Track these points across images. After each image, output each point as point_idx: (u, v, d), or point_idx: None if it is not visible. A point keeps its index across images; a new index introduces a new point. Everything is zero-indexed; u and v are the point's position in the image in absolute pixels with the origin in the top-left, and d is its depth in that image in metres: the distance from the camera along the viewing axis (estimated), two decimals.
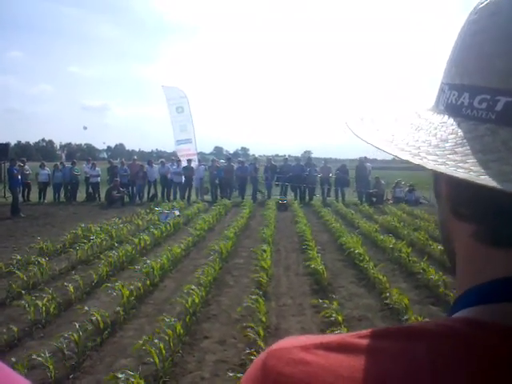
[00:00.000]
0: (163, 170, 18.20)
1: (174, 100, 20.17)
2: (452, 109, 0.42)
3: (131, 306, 5.48)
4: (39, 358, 3.78)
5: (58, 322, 5.09)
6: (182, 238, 9.63)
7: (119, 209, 15.62)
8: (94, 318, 4.69)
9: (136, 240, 8.82)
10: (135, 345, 4.13)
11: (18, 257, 7.48)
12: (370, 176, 18.49)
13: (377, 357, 0.37)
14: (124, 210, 15.20)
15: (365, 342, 0.38)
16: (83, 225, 10.61)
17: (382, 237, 9.49)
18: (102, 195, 17.83)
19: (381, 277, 6.22)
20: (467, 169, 0.35)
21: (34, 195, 17.90)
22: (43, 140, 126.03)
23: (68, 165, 18.97)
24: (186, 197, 17.93)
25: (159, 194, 18.50)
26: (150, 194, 18.50)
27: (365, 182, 18.12)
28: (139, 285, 5.95)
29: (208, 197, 18.58)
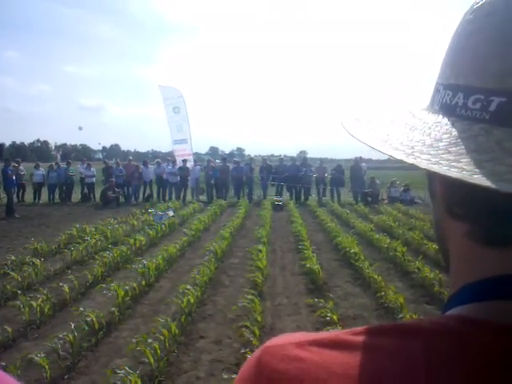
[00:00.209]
0: (159, 170, 18.17)
1: (170, 100, 20.14)
2: (446, 109, 0.42)
3: (126, 306, 5.47)
4: (36, 358, 3.76)
5: (52, 322, 5.08)
6: (177, 238, 9.61)
7: (114, 209, 15.57)
8: (89, 319, 4.68)
9: (131, 240, 8.80)
10: (130, 345, 4.12)
11: (13, 257, 7.45)
12: (366, 176, 18.54)
13: (372, 354, 0.37)
14: (119, 210, 15.16)
15: (359, 338, 0.39)
16: (78, 225, 10.57)
17: (377, 236, 9.51)
18: (97, 196, 17.77)
19: (376, 276, 6.23)
20: (460, 168, 0.35)
21: (28, 196, 17.83)
22: (38, 140, 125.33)
23: (63, 165, 18.91)
24: (181, 197, 17.91)
25: (155, 195, 18.49)
26: (146, 195, 18.47)
27: (360, 182, 18.16)
28: (134, 285, 5.94)
29: (203, 197, 18.57)
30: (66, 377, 3.87)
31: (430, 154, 0.38)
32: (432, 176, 0.46)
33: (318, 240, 9.99)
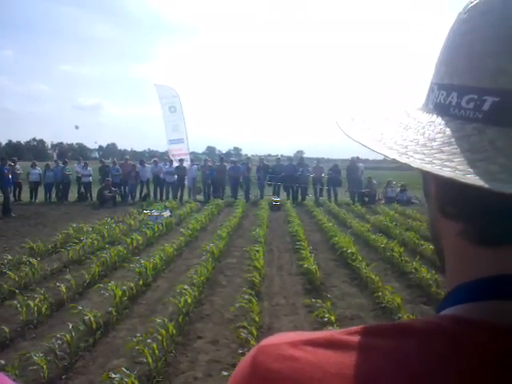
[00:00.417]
0: (156, 169, 18.13)
1: (166, 99, 20.08)
2: (440, 108, 0.42)
3: (124, 306, 5.46)
4: (34, 358, 3.75)
5: (50, 322, 5.06)
6: (174, 237, 9.59)
7: (111, 209, 15.54)
8: (86, 318, 4.67)
9: (128, 240, 8.78)
10: (128, 345, 4.12)
11: (10, 257, 7.42)
12: (363, 176, 18.55)
13: (367, 353, 0.37)
14: (116, 209, 15.13)
15: (354, 338, 0.39)
16: (75, 225, 10.54)
17: (374, 236, 9.52)
18: (94, 195, 17.73)
19: (373, 276, 6.24)
20: (453, 168, 0.35)
21: (25, 195, 17.77)
22: (34, 139, 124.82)
23: (60, 164, 18.85)
24: (178, 196, 17.90)
25: (151, 194, 18.45)
26: (143, 194, 18.43)
27: (357, 182, 18.18)
28: (132, 285, 5.93)
29: (200, 196, 18.55)
30: (63, 377, 3.86)
31: (424, 154, 0.38)
32: (426, 176, 0.46)
33: (315, 240, 9.99)
